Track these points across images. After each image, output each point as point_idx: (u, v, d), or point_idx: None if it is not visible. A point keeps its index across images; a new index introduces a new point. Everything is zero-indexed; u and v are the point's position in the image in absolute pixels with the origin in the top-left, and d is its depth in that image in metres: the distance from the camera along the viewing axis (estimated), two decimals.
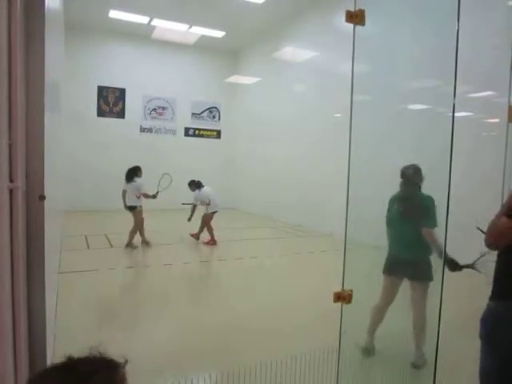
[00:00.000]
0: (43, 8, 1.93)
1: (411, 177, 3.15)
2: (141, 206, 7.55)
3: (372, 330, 3.37)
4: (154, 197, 7.68)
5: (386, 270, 3.36)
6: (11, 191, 1.53)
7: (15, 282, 1.55)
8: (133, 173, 7.56)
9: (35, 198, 1.93)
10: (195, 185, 8.29)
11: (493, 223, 1.85)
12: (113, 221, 7.64)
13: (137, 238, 7.60)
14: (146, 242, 7.71)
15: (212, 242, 8.16)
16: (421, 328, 3.18)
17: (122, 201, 7.54)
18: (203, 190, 8.23)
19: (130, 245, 7.49)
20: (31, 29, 1.89)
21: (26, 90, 1.86)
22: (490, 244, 1.87)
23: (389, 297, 3.33)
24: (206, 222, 8.20)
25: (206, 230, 8.23)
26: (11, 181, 1.52)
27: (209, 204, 8.12)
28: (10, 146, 1.51)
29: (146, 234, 7.74)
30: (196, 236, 8.29)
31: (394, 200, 3.32)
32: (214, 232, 8.19)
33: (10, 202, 1.53)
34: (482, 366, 1.95)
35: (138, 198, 7.47)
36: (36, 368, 1.98)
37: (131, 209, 7.52)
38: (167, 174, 8.14)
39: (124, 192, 7.52)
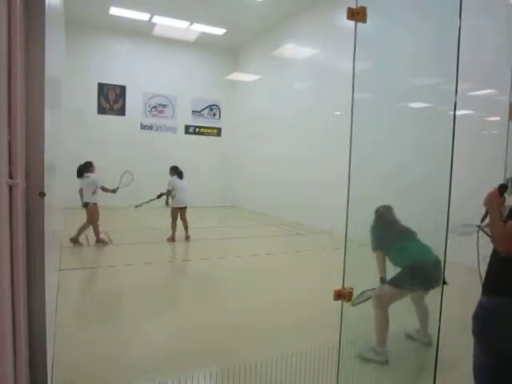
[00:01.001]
0: (43, 5, 1.93)
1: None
2: (95, 204, 7.35)
3: (385, 339, 3.26)
4: (113, 191, 7.55)
5: (405, 284, 3.27)
6: (11, 188, 1.52)
7: (15, 279, 1.54)
8: (84, 169, 7.46)
9: (35, 194, 1.93)
10: (176, 173, 8.10)
11: (501, 232, 1.79)
12: (113, 218, 7.63)
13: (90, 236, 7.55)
14: (101, 241, 7.51)
15: (170, 239, 7.99)
16: (425, 315, 3.43)
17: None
18: (179, 181, 8.02)
19: (76, 240, 7.29)
20: (31, 26, 1.89)
21: (25, 87, 1.86)
22: (506, 251, 1.79)
23: (392, 303, 3.29)
24: (172, 216, 8.03)
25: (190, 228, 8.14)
26: (11, 177, 1.52)
27: (173, 197, 7.92)
28: (10, 143, 1.50)
29: (100, 232, 7.55)
30: (171, 238, 8.03)
31: (383, 224, 3.44)
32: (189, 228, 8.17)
33: (10, 198, 1.52)
34: (475, 361, 1.96)
35: (94, 193, 7.30)
36: (36, 368, 1.98)
37: (87, 205, 7.37)
38: (128, 171, 7.96)
39: (81, 190, 7.42)
